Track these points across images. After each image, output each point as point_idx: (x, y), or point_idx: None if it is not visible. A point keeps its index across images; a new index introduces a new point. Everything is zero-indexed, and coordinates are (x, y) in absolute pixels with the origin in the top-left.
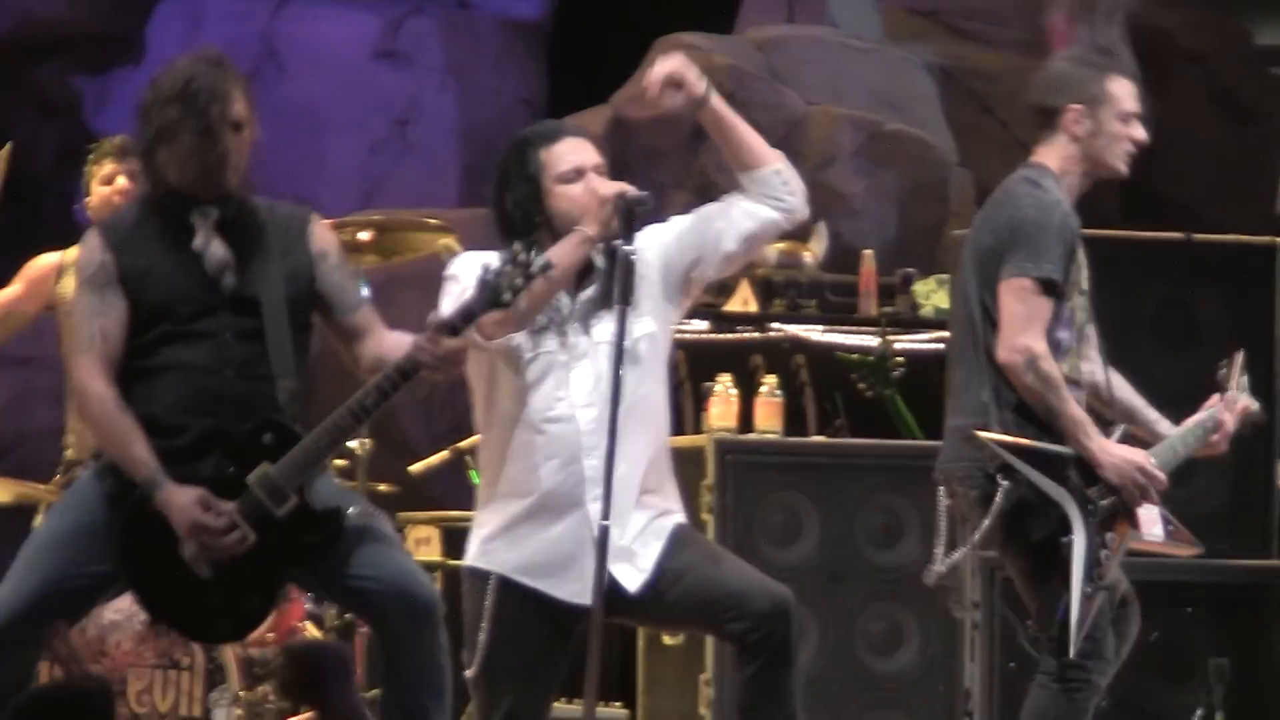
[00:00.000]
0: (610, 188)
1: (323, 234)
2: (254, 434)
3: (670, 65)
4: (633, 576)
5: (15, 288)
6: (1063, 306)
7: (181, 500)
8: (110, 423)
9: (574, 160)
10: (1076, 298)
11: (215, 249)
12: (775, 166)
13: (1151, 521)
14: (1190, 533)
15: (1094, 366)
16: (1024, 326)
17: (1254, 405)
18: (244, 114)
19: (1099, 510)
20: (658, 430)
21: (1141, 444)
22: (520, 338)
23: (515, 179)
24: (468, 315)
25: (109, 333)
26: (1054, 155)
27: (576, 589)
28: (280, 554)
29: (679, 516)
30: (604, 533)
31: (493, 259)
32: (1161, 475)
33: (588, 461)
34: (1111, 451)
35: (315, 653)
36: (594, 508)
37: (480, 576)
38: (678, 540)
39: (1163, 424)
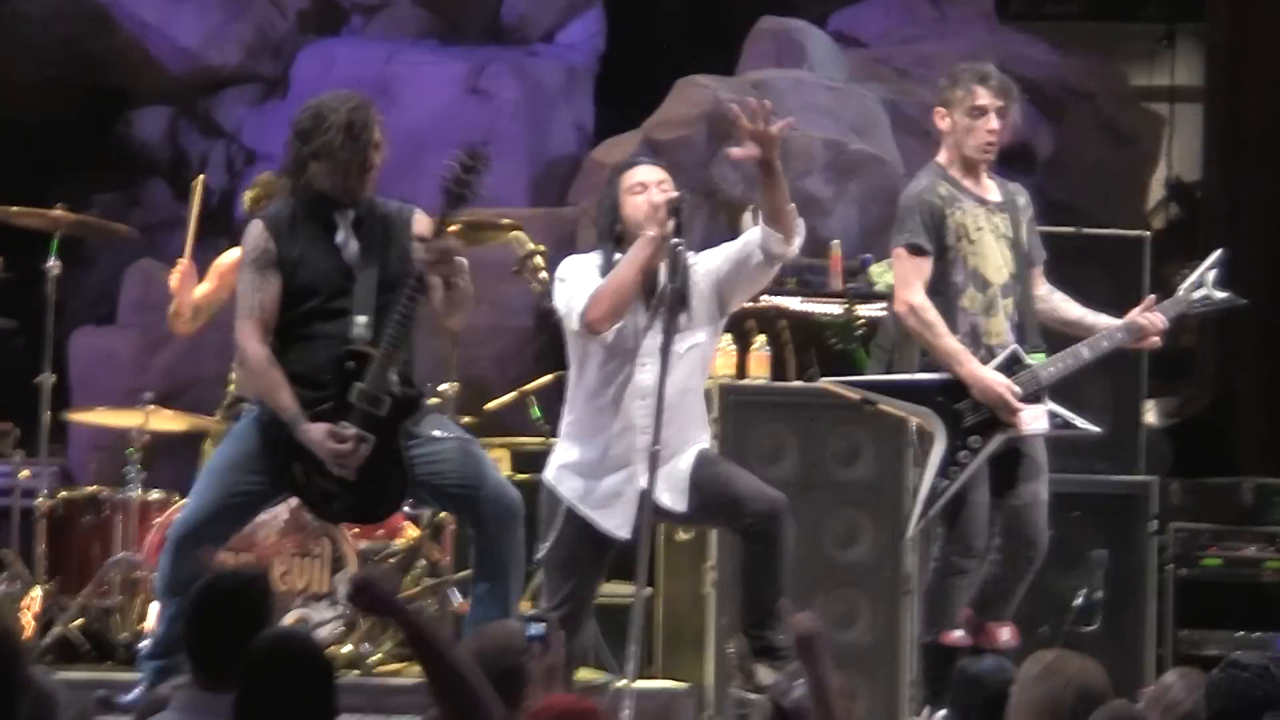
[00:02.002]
0: (662, 197)
1: (423, 223)
2: (339, 364)
3: (766, 130)
4: (677, 499)
5: (207, 285)
6: (951, 257)
7: (316, 435)
8: (262, 374)
9: (639, 177)
10: (965, 245)
11: (352, 244)
12: (785, 239)
13: (1034, 418)
14: (1086, 419)
15: (1042, 292)
16: (903, 285)
17: (1216, 295)
18: (380, 140)
19: (967, 420)
20: (694, 410)
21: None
22: (611, 334)
23: (604, 195)
24: (442, 220)
25: (266, 305)
26: (942, 151)
27: (618, 523)
28: (396, 441)
29: (704, 443)
30: (654, 456)
31: (586, 263)
32: (1014, 403)
33: (640, 438)
34: (978, 375)
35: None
36: (640, 473)
37: (555, 495)
38: (701, 461)
39: (1100, 326)
